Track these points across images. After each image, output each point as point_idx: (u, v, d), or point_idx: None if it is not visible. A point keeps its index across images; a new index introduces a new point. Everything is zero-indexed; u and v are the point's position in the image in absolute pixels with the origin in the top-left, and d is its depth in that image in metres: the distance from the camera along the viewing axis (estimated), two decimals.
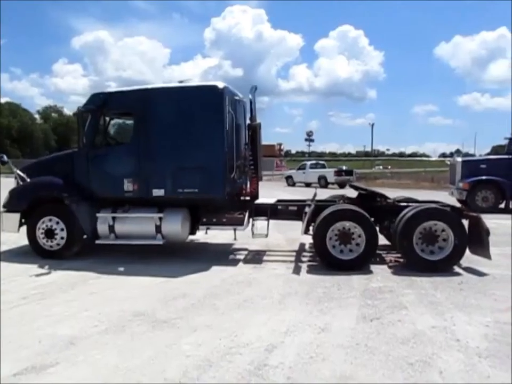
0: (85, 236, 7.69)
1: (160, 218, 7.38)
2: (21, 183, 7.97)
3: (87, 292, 5.77)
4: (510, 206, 14.28)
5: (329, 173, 29.19)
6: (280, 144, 69.04)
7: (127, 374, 3.50)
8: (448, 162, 18.35)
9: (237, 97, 7.98)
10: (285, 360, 3.74)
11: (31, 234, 7.67)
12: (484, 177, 14.51)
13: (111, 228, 7.49)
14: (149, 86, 7.80)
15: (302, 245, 8.79)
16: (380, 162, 67.54)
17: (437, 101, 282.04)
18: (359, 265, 6.83)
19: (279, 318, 4.74)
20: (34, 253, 7.70)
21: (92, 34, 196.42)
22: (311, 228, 7.26)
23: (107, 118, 8.22)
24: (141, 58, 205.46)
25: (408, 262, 6.94)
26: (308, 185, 29.91)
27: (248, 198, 8.21)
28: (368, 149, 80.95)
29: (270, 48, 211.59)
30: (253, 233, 7.89)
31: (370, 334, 4.31)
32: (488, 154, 23.00)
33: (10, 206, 7.82)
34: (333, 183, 28.61)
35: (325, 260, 7.02)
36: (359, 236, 6.88)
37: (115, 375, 3.49)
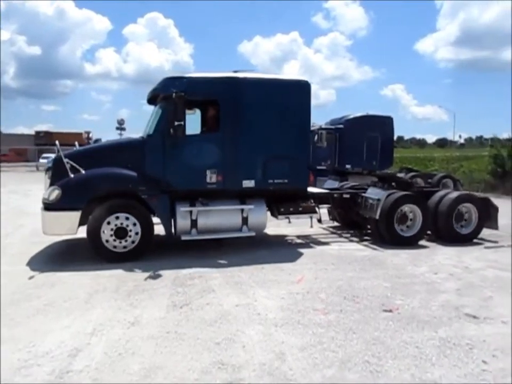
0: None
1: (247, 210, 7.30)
2: (72, 175, 6.57)
3: None
4: None
5: None
6: (88, 132, 63.64)
7: None
8: None
9: None
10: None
11: (96, 236, 6.55)
12: None
13: (194, 223, 6.94)
14: (238, 75, 7.42)
15: None
16: None
17: None
18: (416, 241, 8.12)
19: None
20: (98, 256, 6.62)
21: None
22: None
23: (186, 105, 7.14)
24: None
25: (447, 237, 8.34)
26: None
27: None
28: None
29: (75, 27, 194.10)
30: (319, 220, 8.47)
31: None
32: None
33: (64, 203, 6.48)
34: None
35: (392, 238, 8.07)
36: (415, 216, 8.16)
37: None
